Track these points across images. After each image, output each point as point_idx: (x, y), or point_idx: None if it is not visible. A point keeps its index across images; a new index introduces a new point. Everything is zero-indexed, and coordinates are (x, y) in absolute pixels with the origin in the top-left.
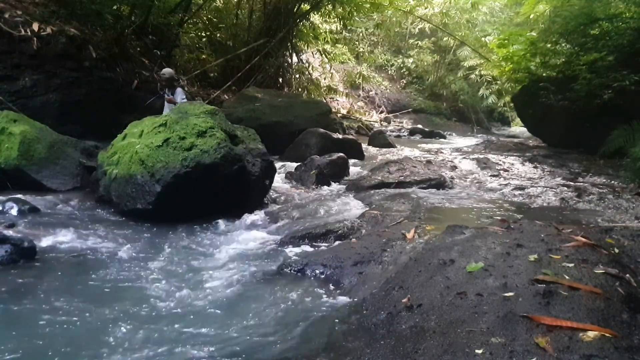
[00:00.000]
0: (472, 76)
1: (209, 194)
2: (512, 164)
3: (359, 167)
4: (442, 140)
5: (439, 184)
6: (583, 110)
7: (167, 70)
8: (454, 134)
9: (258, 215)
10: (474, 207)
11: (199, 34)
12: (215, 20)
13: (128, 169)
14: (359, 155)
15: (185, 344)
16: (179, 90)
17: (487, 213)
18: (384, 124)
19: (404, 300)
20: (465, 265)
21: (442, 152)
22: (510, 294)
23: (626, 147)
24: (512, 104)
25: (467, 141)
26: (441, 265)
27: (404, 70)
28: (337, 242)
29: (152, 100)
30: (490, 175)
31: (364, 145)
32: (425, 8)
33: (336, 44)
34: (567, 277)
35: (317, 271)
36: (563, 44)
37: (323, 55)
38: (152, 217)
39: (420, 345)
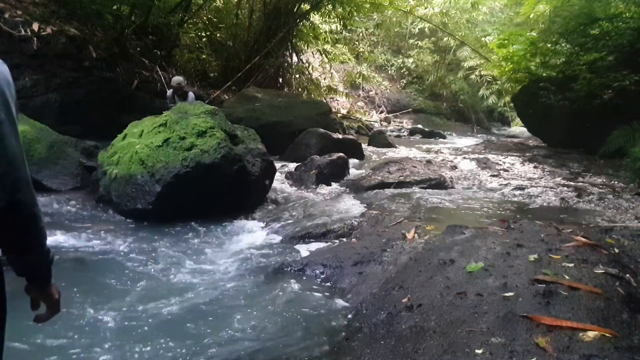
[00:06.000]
0: (472, 76)
1: (209, 193)
2: (512, 164)
3: (359, 167)
4: (442, 140)
5: (439, 184)
6: (583, 110)
7: (179, 79)
8: (454, 134)
9: (258, 215)
10: (474, 207)
11: (199, 34)
12: (215, 20)
13: (128, 169)
14: (359, 155)
15: (184, 344)
16: (190, 94)
17: (487, 213)
18: (384, 124)
19: (404, 300)
20: (465, 265)
21: (442, 152)
22: (510, 294)
23: (626, 147)
24: (512, 104)
25: (467, 141)
26: (441, 265)
27: (404, 70)
28: (337, 242)
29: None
30: (490, 175)
31: (364, 145)
32: (425, 8)
33: (336, 44)
34: (567, 277)
35: (317, 271)
36: (563, 44)
37: (323, 55)
38: (152, 217)
39: (420, 345)
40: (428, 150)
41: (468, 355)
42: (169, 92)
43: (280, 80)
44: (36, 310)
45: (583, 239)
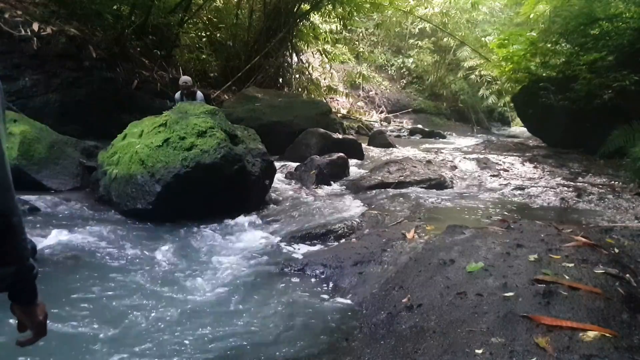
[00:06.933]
0: (472, 76)
1: (209, 194)
2: (512, 164)
3: (359, 167)
4: (442, 140)
5: (439, 184)
6: (583, 110)
7: (187, 79)
8: (454, 134)
9: (258, 215)
10: (474, 207)
11: (199, 34)
12: (215, 20)
13: (128, 169)
14: (359, 155)
15: (184, 343)
16: (199, 94)
17: (487, 213)
18: (384, 124)
19: (404, 300)
20: (465, 265)
21: (442, 152)
22: (510, 294)
23: (626, 147)
24: (512, 104)
25: (467, 141)
26: (441, 265)
27: (404, 70)
28: (337, 242)
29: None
30: (490, 175)
31: (364, 145)
32: (425, 8)
33: (336, 44)
34: (567, 277)
35: (317, 271)
36: (563, 44)
37: (323, 55)
38: (152, 217)
39: (420, 345)
40: (428, 150)
41: (468, 355)
42: (177, 94)
43: (280, 80)
44: (23, 332)
45: (583, 239)
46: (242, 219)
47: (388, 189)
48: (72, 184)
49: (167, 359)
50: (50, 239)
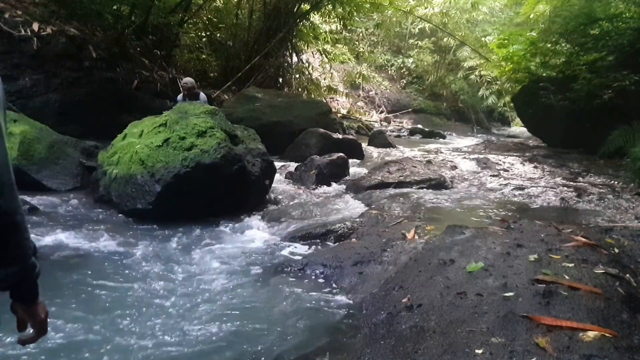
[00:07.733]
0: (472, 76)
1: (209, 194)
2: (512, 164)
3: (359, 167)
4: (442, 140)
5: (439, 184)
6: (583, 110)
7: (189, 80)
8: (454, 134)
9: (258, 215)
10: (474, 207)
11: (199, 34)
12: (215, 20)
13: (128, 169)
14: (359, 155)
15: (183, 343)
16: (202, 95)
17: (487, 213)
18: (384, 124)
19: (404, 300)
20: (465, 265)
21: (442, 152)
22: (510, 294)
23: (626, 147)
24: (512, 104)
25: (467, 141)
26: (441, 265)
27: (404, 70)
28: (337, 242)
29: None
30: (490, 175)
31: (364, 145)
32: (425, 8)
33: (336, 44)
34: (567, 277)
35: (317, 271)
36: (563, 44)
37: (323, 55)
38: (152, 217)
39: (420, 345)
40: (428, 150)
41: (468, 355)
42: (179, 96)
43: (280, 80)
44: (23, 330)
45: (583, 239)
46: (242, 219)
47: (388, 189)
48: (72, 184)
49: (166, 358)
50: (50, 239)
